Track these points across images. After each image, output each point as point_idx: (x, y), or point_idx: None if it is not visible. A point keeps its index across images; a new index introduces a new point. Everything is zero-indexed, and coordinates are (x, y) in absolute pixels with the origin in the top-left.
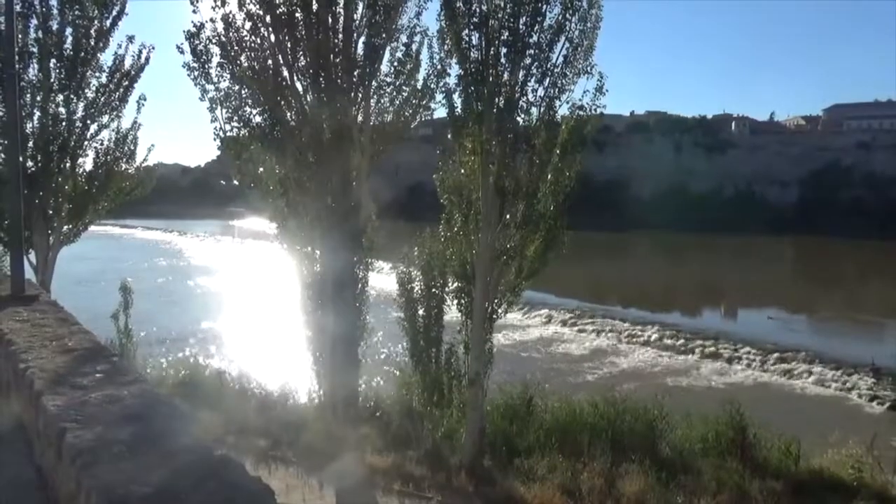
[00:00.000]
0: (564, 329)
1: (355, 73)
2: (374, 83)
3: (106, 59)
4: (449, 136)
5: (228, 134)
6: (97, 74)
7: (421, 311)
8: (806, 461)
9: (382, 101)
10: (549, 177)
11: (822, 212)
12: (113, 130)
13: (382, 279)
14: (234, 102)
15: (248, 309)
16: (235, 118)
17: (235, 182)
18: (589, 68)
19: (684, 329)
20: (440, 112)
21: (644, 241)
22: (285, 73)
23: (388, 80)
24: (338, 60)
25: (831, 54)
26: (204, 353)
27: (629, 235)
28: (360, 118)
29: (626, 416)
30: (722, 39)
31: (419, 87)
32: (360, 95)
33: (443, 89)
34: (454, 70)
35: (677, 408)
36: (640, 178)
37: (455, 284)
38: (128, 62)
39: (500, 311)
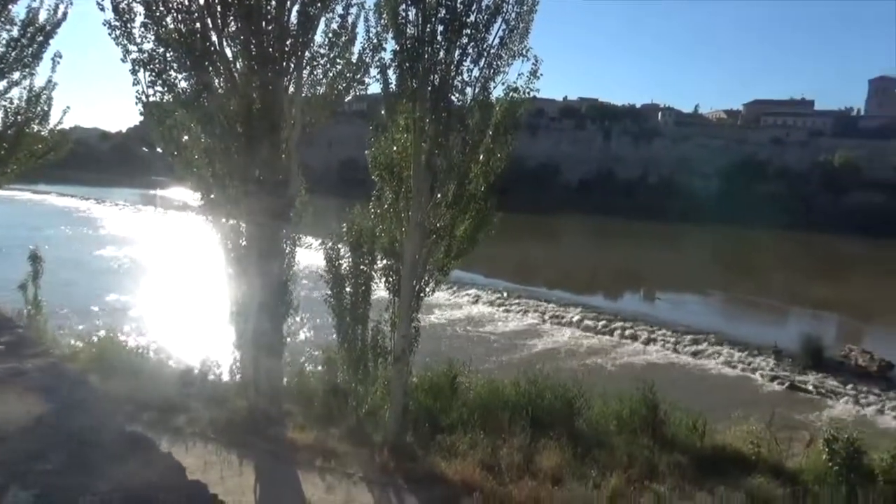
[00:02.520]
0: (492, 309)
1: (288, 43)
2: (307, 54)
3: (18, 11)
4: (382, 112)
5: (151, 99)
6: (7, 27)
7: (348, 288)
8: (711, 437)
9: (315, 72)
10: (481, 157)
11: (738, 203)
12: (24, 88)
13: (312, 255)
14: (158, 66)
15: (169, 282)
16: (159, 82)
17: (159, 150)
18: (524, 51)
19: (605, 311)
20: (375, 87)
21: (572, 225)
22: (214, 38)
23: (322, 51)
24: (270, 28)
25: (755, 52)
26: (121, 327)
27: (558, 219)
28: (291, 89)
29: (546, 395)
30: (654, 30)
31: (354, 61)
32: (293, 66)
33: (378, 64)
34: (390, 45)
35: (595, 386)
36: (570, 162)
37: (384, 262)
38: (42, 16)
39: (427, 289)
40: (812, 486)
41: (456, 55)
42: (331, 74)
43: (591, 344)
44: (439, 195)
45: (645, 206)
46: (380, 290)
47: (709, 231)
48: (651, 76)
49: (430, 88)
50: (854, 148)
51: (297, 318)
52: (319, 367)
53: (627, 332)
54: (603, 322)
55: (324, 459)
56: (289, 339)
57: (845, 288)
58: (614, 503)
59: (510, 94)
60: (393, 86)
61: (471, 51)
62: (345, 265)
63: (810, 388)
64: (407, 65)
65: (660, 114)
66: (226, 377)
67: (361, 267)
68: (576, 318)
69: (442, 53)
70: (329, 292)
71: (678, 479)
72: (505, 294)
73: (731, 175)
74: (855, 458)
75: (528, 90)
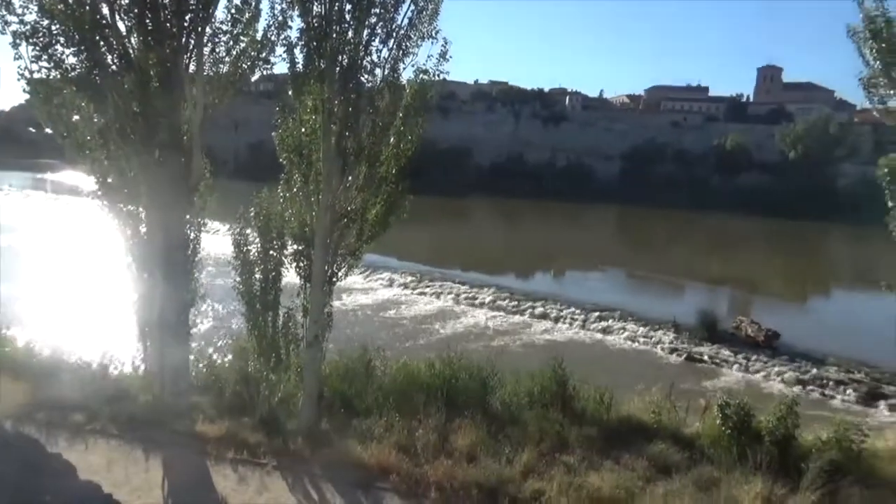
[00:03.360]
0: (406, 292)
1: (186, 18)
2: (207, 30)
3: None
4: (290, 92)
5: (36, 75)
6: None
7: (258, 275)
8: (617, 409)
9: (217, 50)
10: (392, 140)
11: (640, 184)
12: None
13: (219, 242)
14: (42, 39)
15: (64, 273)
16: (45, 57)
17: (48, 130)
18: (433, 33)
19: (517, 291)
20: (283, 67)
21: (484, 208)
22: (105, 11)
23: (225, 27)
24: (167, 1)
25: (656, 39)
26: (8, 322)
27: (470, 201)
28: (192, 67)
29: (460, 375)
30: (562, 16)
31: (258, 39)
32: (192, 42)
33: (284, 42)
34: (297, 24)
35: (508, 365)
36: (482, 145)
37: (294, 247)
38: None
39: (339, 274)
40: (707, 449)
41: (365, 35)
42: (234, 52)
43: (504, 324)
44: (350, 178)
45: (554, 188)
46: (291, 276)
47: (614, 212)
48: (559, 61)
49: (338, 69)
50: (744, 132)
51: (205, 307)
52: (229, 357)
53: (538, 311)
54: (515, 302)
55: (235, 451)
56: (196, 329)
57: (737, 263)
58: (527, 477)
59: (420, 76)
60: (300, 66)
61: (380, 31)
62: (254, 251)
63: (706, 358)
64: (314, 44)
65: (567, 98)
66: (128, 370)
67: (271, 252)
68: (489, 299)
69: (350, 33)
70: (238, 279)
71: (587, 450)
72: (419, 277)
73: (634, 158)
74: (745, 421)
75: (438, 72)
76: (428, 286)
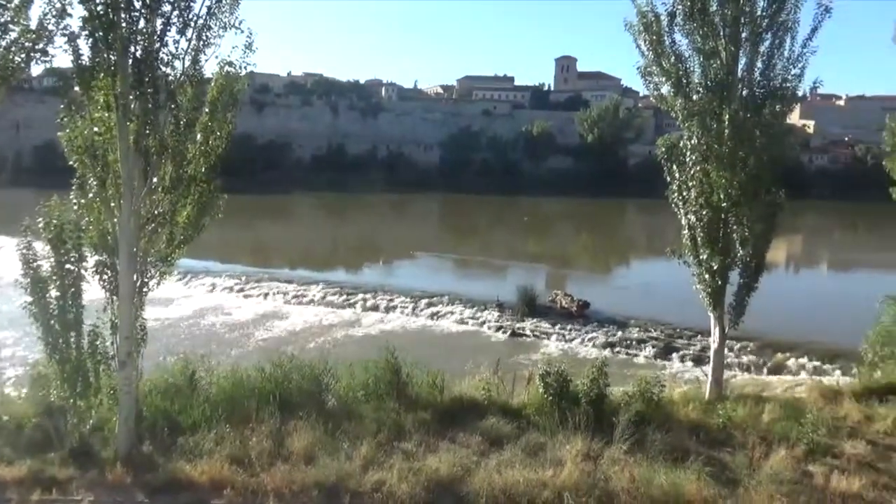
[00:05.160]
0: (230, 296)
1: None
2: None
3: None
4: (76, 88)
5: None
6: None
7: (54, 292)
8: (449, 390)
9: None
10: (199, 137)
11: (458, 171)
12: None
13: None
14: None
15: None
16: None
17: None
18: (236, 23)
19: (347, 285)
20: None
21: (307, 203)
22: None
23: None
24: None
25: (465, 31)
26: None
27: (292, 197)
28: None
29: (293, 376)
30: (374, 8)
31: (33, 28)
32: None
33: (65, 33)
34: (79, 11)
35: (342, 359)
36: (301, 139)
37: (96, 258)
38: None
39: (151, 283)
40: (533, 417)
41: (159, 24)
42: (3, 43)
43: (336, 319)
44: (155, 180)
45: (376, 180)
46: (95, 290)
47: (436, 200)
48: (373, 53)
49: (131, 61)
50: (548, 119)
51: None
52: (25, 390)
53: (369, 303)
54: (345, 296)
55: (42, 491)
56: None
57: (550, 242)
58: (367, 469)
59: (225, 69)
60: (86, 58)
61: (175, 20)
62: (46, 266)
63: (528, 332)
64: (100, 34)
65: (383, 89)
66: None
67: (67, 266)
68: (318, 295)
69: (142, 22)
70: (29, 299)
71: (424, 434)
72: (243, 279)
73: (451, 146)
74: (563, 386)
75: (244, 64)
76: (254, 288)
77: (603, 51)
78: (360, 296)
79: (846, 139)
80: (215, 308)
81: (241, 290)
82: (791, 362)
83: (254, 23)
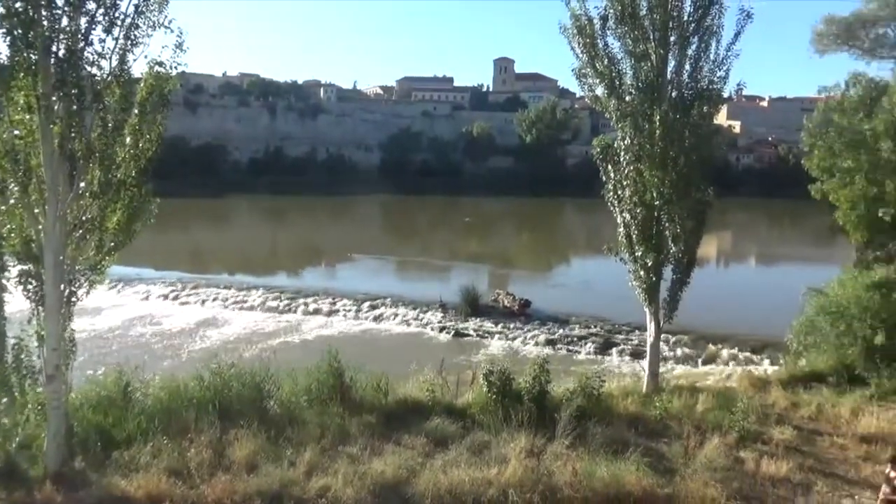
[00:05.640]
0: (166, 303)
1: None
2: None
3: None
4: None
5: None
6: None
7: None
8: (394, 393)
9: None
10: (129, 140)
11: (399, 173)
12: None
13: None
14: None
15: None
16: None
17: None
18: (166, 22)
19: (288, 289)
20: None
21: (246, 206)
22: None
23: None
24: None
25: (404, 31)
26: None
27: (230, 201)
28: None
29: (233, 384)
30: (309, 8)
31: None
32: None
33: None
34: None
35: (285, 365)
36: (238, 141)
37: (19, 267)
38: None
39: (80, 293)
40: (478, 416)
41: (83, 22)
42: None
43: (277, 324)
44: (82, 184)
45: (317, 182)
46: (17, 301)
47: (378, 202)
48: (311, 53)
49: (53, 60)
50: (487, 120)
51: None
52: None
53: (311, 307)
54: (286, 301)
55: None
56: None
57: (492, 242)
58: (311, 476)
59: (155, 69)
60: (4, 57)
61: (101, 18)
62: None
63: (471, 332)
64: (19, 31)
65: (322, 90)
66: None
67: None
68: (258, 300)
69: (66, 20)
70: None
71: (369, 437)
72: (180, 286)
73: (391, 147)
74: (506, 385)
75: (175, 64)
76: (191, 295)
77: (540, 52)
78: (302, 300)
79: (770, 139)
80: (150, 316)
81: (177, 297)
82: (723, 353)
83: (185, 22)
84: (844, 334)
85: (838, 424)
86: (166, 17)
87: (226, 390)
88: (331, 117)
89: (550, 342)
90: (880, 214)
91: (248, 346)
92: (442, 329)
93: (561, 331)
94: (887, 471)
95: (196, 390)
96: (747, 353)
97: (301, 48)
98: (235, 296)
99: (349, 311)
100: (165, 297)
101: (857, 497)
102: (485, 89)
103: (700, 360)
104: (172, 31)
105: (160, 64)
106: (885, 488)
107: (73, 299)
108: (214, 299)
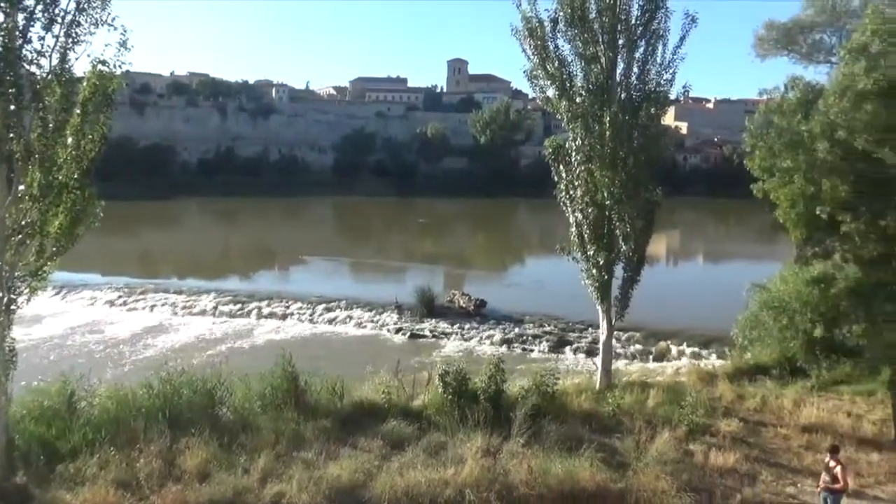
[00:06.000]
0: (113, 309)
1: None
2: None
3: None
4: None
5: None
6: None
7: None
8: (350, 396)
9: None
10: (70, 140)
11: (354, 174)
12: None
13: None
14: None
15: None
16: None
17: None
18: (109, 19)
19: (241, 293)
20: None
21: (196, 209)
22: None
23: None
24: None
25: (357, 32)
26: None
27: (180, 203)
28: None
29: (183, 391)
30: (261, 7)
31: None
32: None
33: None
34: None
35: (238, 370)
36: (187, 142)
37: None
38: None
39: (20, 300)
40: (434, 417)
41: (20, 19)
42: None
43: (230, 329)
44: (21, 187)
45: (269, 183)
46: None
47: (332, 203)
48: (262, 53)
49: None
50: (442, 120)
51: None
52: None
53: (265, 311)
54: (239, 305)
55: None
56: None
57: (446, 242)
58: (265, 482)
59: (98, 67)
60: None
61: (40, 15)
62: None
63: (427, 333)
64: None
65: (274, 90)
66: None
67: None
68: (210, 305)
69: (1, 16)
70: None
71: (324, 442)
72: (128, 291)
73: (345, 148)
74: (462, 385)
75: (120, 63)
76: (139, 300)
77: (494, 54)
78: (255, 304)
79: (716, 139)
80: (96, 323)
81: (125, 303)
82: (673, 349)
83: (130, 20)
84: (786, 328)
85: (782, 415)
86: (109, 14)
87: (176, 398)
88: (283, 118)
89: (506, 341)
90: (818, 212)
91: (200, 352)
92: (398, 331)
93: (516, 330)
94: (826, 459)
95: (145, 399)
96: (695, 349)
97: (252, 48)
98: (186, 301)
99: (303, 314)
100: (112, 303)
101: (799, 485)
102: (439, 90)
103: (651, 357)
104: (116, 29)
105: (103, 63)
106: (824, 476)
107: (13, 307)
108: (164, 305)
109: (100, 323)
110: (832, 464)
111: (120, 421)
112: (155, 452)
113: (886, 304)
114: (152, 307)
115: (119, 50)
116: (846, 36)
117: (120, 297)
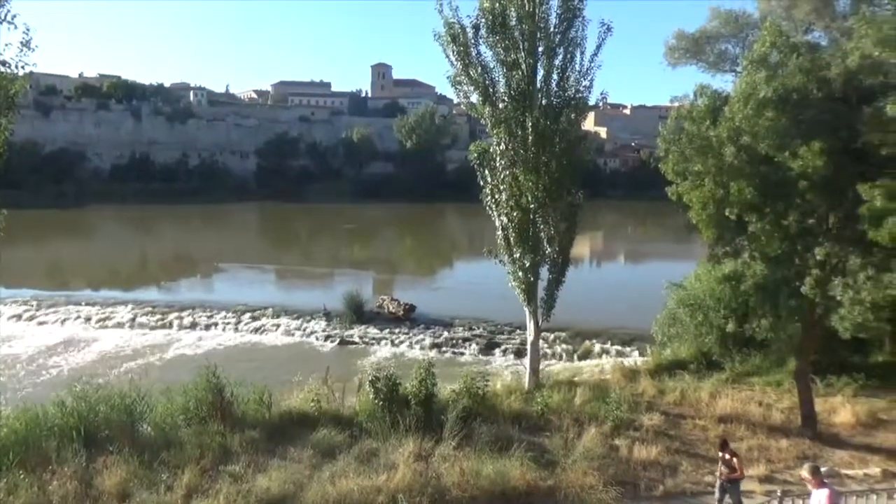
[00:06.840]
0: (19, 324)
1: None
2: None
3: None
4: None
5: None
6: None
7: None
8: (278, 406)
9: None
10: None
11: (278, 179)
12: None
13: None
14: None
15: None
16: None
17: None
18: (9, 17)
19: (160, 304)
20: None
21: (110, 216)
22: None
23: None
24: None
25: (278, 34)
26: None
27: (93, 211)
28: None
29: (100, 408)
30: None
31: None
32: None
33: None
34: None
35: (158, 384)
36: (98, 147)
37: None
38: None
39: None
40: (366, 424)
41: None
42: None
43: (149, 341)
44: None
45: (188, 189)
46: None
47: (255, 209)
48: (177, 55)
49: None
50: (367, 125)
51: None
52: None
53: (186, 321)
54: (159, 316)
55: None
56: None
57: (374, 247)
58: (191, 499)
59: None
60: None
61: None
62: None
63: (357, 339)
64: None
65: (192, 93)
66: None
67: None
68: (127, 316)
69: None
70: None
71: (252, 454)
72: (35, 304)
73: (268, 153)
74: (393, 390)
75: (22, 64)
76: (49, 313)
77: (418, 59)
78: (176, 314)
79: (633, 144)
80: (1, 339)
81: (33, 317)
82: (597, 348)
83: (33, 19)
84: (702, 324)
85: (699, 407)
86: (9, 12)
87: (92, 415)
88: (202, 122)
89: (436, 345)
90: (727, 214)
91: (117, 366)
92: (327, 338)
93: (446, 333)
94: (720, 454)
95: (57, 417)
96: (619, 347)
97: (166, 50)
98: (101, 312)
99: (228, 323)
100: (19, 317)
101: (716, 473)
102: (363, 95)
103: (577, 356)
104: (17, 28)
105: (4, 63)
106: (722, 468)
107: None
108: (77, 318)
109: (5, 339)
110: (727, 456)
111: (29, 442)
112: (69, 473)
113: (790, 300)
114: (63, 320)
115: (21, 50)
116: (748, 47)
117: (27, 310)
